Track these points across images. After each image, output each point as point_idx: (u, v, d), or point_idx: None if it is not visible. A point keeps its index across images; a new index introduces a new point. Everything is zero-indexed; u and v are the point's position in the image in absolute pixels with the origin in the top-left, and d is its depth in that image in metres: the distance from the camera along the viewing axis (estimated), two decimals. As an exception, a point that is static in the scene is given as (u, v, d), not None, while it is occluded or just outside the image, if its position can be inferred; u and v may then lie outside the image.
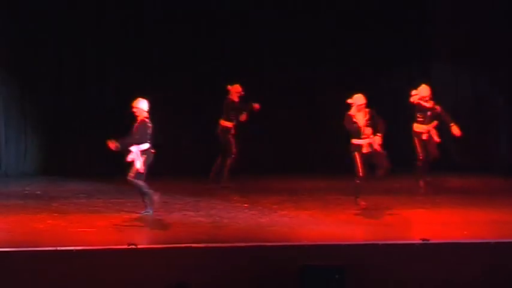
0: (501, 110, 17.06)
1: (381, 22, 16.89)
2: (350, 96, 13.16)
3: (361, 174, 12.90)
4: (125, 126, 16.41)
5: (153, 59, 16.58)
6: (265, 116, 16.26)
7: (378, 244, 10.73)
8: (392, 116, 16.75)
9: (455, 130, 13.90)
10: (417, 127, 14.15)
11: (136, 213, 12.60)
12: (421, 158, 14.11)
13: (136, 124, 12.55)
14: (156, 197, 12.46)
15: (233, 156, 14.77)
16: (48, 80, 16.49)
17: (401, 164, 16.14)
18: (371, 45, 16.73)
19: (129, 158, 12.42)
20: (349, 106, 13.09)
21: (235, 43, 16.62)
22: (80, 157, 16.58)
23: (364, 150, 12.94)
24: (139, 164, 12.33)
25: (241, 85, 14.92)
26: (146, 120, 12.55)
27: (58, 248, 10.34)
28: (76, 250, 10.31)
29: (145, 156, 12.42)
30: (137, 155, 12.36)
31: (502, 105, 17.04)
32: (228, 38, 16.67)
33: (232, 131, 14.82)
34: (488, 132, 17.00)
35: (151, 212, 12.45)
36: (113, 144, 12.36)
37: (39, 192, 14.48)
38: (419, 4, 17.33)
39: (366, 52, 16.72)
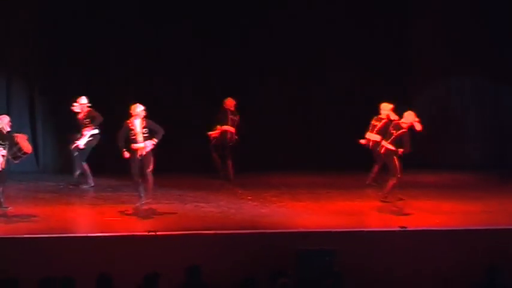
0: (470, 116, 17.00)
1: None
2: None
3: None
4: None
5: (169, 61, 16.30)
6: (268, 119, 16.17)
7: (362, 231, 10.78)
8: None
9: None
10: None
11: (156, 204, 12.64)
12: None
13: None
14: None
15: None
16: (80, 88, 16.41)
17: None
18: (364, 51, 16.44)
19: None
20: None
21: (237, 44, 16.24)
22: (107, 156, 16.56)
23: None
24: None
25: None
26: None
27: (88, 235, 10.38)
28: (103, 236, 10.35)
29: None
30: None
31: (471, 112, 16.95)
32: (229, 39, 16.28)
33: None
34: (458, 134, 16.94)
35: None
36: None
37: (71, 187, 14.48)
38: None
39: (362, 56, 16.43)
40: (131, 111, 12.34)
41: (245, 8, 16.32)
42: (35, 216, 11.58)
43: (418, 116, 16.79)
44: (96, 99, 16.24)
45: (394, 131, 12.70)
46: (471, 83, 16.91)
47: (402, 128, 12.67)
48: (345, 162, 16.12)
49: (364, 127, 16.77)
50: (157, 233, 10.33)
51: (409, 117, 12.78)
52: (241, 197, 13.26)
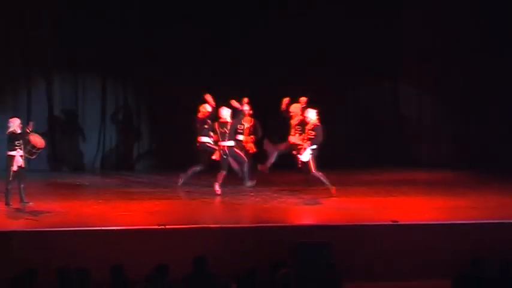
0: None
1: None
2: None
3: None
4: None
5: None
6: (269, 118, 16.02)
7: (357, 225, 10.75)
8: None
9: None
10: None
11: (165, 200, 12.65)
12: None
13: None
14: None
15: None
16: (95, 89, 16.34)
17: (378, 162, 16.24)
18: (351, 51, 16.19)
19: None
20: None
21: (237, 44, 15.96)
22: (122, 155, 16.51)
23: None
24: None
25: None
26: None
27: (102, 228, 10.38)
28: (116, 229, 10.34)
29: None
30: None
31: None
32: (229, 40, 16.02)
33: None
34: (448, 136, 16.70)
35: None
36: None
37: (87, 184, 14.51)
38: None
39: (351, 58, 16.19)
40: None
41: (245, 8, 16.07)
42: (52, 211, 11.60)
43: (410, 115, 16.73)
44: (110, 100, 16.29)
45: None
46: (463, 83, 16.54)
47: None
48: (342, 160, 16.11)
49: (363, 127, 16.68)
50: (167, 227, 10.33)
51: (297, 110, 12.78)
52: (244, 193, 13.24)
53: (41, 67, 15.93)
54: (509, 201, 12.32)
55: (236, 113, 13.40)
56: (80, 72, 16.17)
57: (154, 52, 15.97)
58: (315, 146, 12.71)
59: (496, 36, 16.11)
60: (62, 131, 16.15)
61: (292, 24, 16.23)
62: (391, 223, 10.62)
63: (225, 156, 13.00)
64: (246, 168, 13.37)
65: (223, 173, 12.97)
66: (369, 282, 9.45)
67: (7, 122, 11.94)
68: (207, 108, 13.47)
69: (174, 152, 16.25)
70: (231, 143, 13.03)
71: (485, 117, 16.51)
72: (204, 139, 13.38)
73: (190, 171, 13.47)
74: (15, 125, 11.81)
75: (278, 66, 16.09)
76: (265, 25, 16.15)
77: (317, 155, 12.72)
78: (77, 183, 14.59)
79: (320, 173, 12.70)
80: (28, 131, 11.88)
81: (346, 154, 16.41)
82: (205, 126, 13.39)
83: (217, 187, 12.91)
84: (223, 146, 12.99)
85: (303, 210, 11.88)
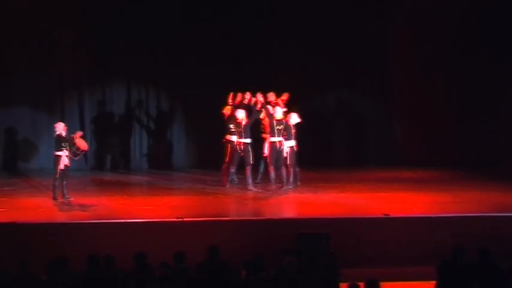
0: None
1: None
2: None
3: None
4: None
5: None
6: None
7: (352, 217, 10.76)
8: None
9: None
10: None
11: (183, 195, 12.68)
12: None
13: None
14: None
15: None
16: (121, 93, 16.21)
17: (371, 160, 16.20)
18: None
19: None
20: None
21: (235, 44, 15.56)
22: (145, 154, 16.44)
23: None
24: None
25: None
26: None
27: (127, 220, 10.42)
28: (139, 222, 10.38)
29: None
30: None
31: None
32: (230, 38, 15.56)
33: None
34: (435, 133, 16.11)
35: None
36: None
37: (114, 181, 14.54)
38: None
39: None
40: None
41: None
42: (84, 205, 11.65)
43: (401, 113, 16.34)
44: (134, 104, 16.23)
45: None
46: (454, 81, 15.80)
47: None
48: (340, 159, 16.09)
49: (361, 128, 16.50)
50: (184, 219, 10.36)
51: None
52: (252, 190, 13.22)
53: (73, 78, 15.93)
54: (487, 196, 12.30)
55: (251, 111, 13.00)
56: (107, 79, 16.11)
57: (174, 56, 15.73)
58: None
59: (494, 34, 15.34)
60: (91, 133, 16.15)
61: (280, 15, 15.57)
62: (382, 216, 10.63)
63: (241, 152, 12.78)
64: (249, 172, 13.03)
65: (248, 168, 12.80)
66: (363, 268, 9.44)
67: (53, 126, 12.14)
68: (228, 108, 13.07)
69: (192, 152, 16.24)
70: (248, 140, 12.84)
71: (474, 116, 15.74)
72: (230, 137, 13.02)
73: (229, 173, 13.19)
74: (60, 128, 11.97)
75: (277, 66, 15.64)
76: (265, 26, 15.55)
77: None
78: (104, 180, 14.63)
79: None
80: (75, 136, 12.00)
81: (344, 153, 16.36)
82: (231, 126, 12.99)
83: (250, 186, 12.81)
84: (240, 143, 12.84)
85: (304, 205, 11.88)
